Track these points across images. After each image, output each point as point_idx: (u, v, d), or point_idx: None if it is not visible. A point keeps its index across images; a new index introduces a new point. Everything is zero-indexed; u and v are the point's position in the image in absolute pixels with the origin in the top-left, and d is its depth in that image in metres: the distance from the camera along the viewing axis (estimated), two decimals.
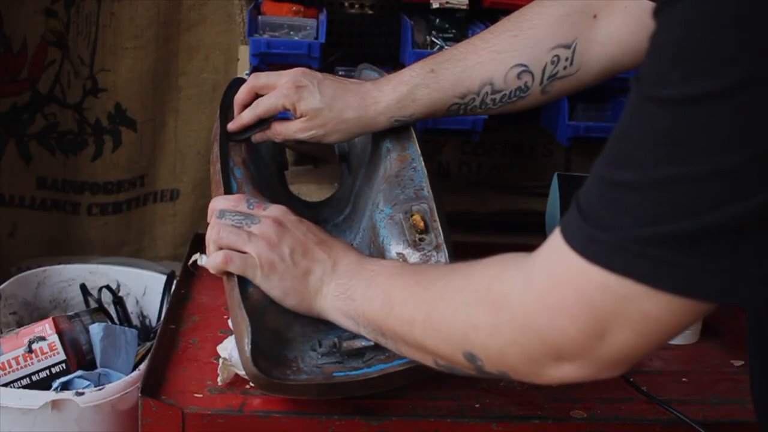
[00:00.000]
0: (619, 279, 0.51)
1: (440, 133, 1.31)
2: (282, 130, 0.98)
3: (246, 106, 0.99)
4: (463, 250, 1.22)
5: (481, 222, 1.45)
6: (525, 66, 0.91)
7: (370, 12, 1.39)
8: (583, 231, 0.53)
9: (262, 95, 0.98)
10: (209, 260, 0.85)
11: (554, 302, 0.55)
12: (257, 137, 1.01)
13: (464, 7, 1.24)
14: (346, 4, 1.39)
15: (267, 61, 1.20)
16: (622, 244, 0.50)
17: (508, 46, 0.92)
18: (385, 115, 0.95)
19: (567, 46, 0.90)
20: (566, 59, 0.90)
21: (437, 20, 1.28)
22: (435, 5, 1.23)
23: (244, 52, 1.36)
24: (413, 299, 0.70)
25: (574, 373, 0.57)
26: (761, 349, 0.68)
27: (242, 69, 1.38)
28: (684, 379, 0.97)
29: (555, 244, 0.55)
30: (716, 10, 0.46)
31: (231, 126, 1.00)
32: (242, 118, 0.99)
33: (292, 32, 1.21)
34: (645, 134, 0.50)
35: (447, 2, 1.23)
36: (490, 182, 1.50)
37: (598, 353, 0.55)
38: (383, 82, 0.96)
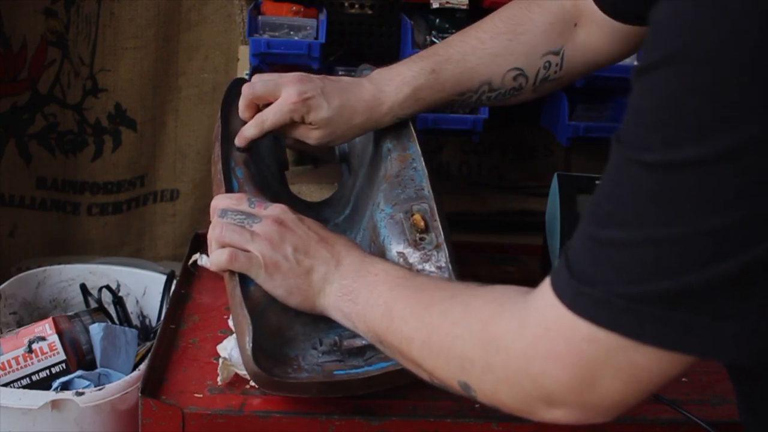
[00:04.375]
0: (605, 332, 0.52)
1: (440, 133, 1.31)
2: (291, 131, 0.97)
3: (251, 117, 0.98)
4: (463, 250, 1.22)
5: (481, 222, 1.45)
6: (521, 70, 0.96)
7: (370, 12, 1.39)
8: (571, 285, 0.54)
9: (260, 104, 0.97)
10: (212, 257, 0.85)
11: (546, 349, 0.56)
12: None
13: (464, 7, 1.24)
14: (346, 4, 1.39)
15: (267, 61, 1.20)
16: (608, 299, 0.52)
17: (505, 50, 0.96)
18: (390, 115, 0.97)
19: (556, 53, 0.96)
20: (556, 65, 0.97)
21: (437, 20, 1.28)
22: (435, 5, 1.24)
23: (244, 52, 1.36)
24: (413, 319, 0.70)
25: (564, 417, 0.58)
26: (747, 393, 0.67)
27: (242, 69, 1.38)
28: (684, 379, 0.97)
29: (546, 293, 0.57)
30: (693, 80, 0.47)
31: (238, 142, 0.98)
32: (247, 133, 0.97)
33: (292, 32, 1.22)
34: (629, 195, 0.51)
35: (447, 2, 1.23)
36: (490, 182, 1.50)
37: (589, 400, 0.56)
38: (383, 81, 0.97)
